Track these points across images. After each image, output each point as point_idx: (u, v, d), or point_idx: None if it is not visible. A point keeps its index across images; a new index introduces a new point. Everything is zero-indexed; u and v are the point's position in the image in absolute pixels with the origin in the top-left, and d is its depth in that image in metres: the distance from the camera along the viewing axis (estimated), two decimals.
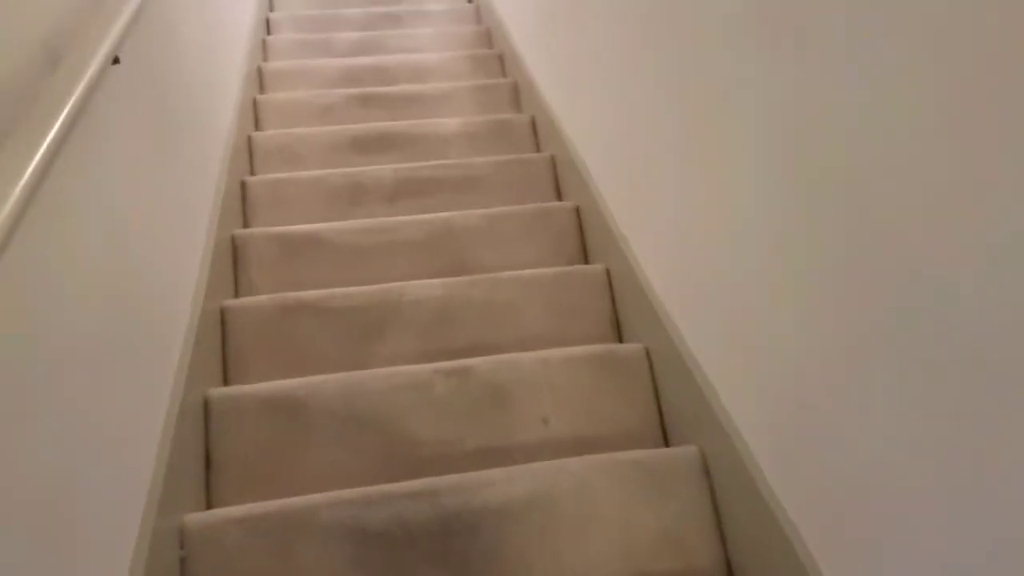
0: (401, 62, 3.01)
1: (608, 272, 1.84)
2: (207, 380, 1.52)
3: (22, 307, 0.83)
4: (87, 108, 1.01)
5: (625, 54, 1.60)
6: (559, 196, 2.27)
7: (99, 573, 0.94)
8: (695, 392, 1.36)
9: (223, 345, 1.69)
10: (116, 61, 1.12)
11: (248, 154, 2.38)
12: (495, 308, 1.77)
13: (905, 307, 0.79)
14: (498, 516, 1.27)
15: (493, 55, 3.09)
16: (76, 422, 0.92)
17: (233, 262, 1.92)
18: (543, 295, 1.80)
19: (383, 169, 2.26)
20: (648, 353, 1.61)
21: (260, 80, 2.88)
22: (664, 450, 1.41)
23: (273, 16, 3.52)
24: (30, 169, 0.78)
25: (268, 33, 3.42)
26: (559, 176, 2.28)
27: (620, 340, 1.78)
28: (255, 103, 2.66)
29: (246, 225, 2.14)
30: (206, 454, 1.44)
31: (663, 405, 1.55)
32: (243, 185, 2.18)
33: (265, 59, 3.12)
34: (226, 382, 1.66)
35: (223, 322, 1.70)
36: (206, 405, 1.47)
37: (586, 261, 2.02)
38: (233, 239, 1.93)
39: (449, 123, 2.52)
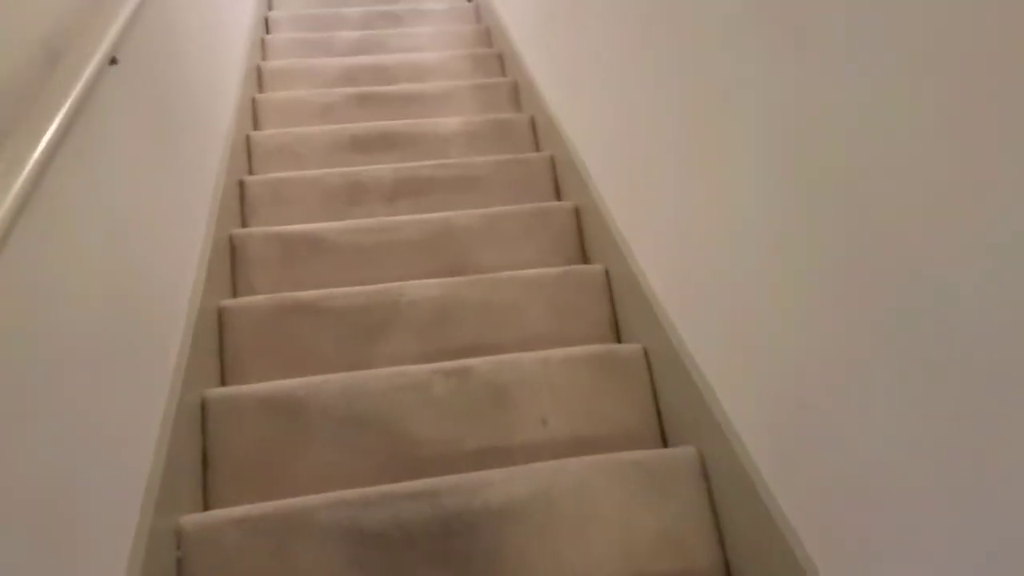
0: (400, 61, 3.01)
1: (607, 272, 1.84)
2: (204, 380, 1.52)
3: (22, 307, 0.82)
4: (85, 108, 1.01)
5: (625, 54, 1.60)
6: (558, 196, 2.27)
7: (98, 574, 0.94)
8: (694, 392, 1.36)
9: (221, 345, 1.69)
10: (114, 62, 1.12)
11: (247, 153, 2.38)
12: (494, 308, 1.77)
13: (905, 307, 0.79)
14: (498, 516, 1.27)
15: (492, 54, 3.09)
16: (76, 422, 0.92)
17: (231, 262, 1.91)
18: (542, 295, 1.80)
19: (382, 169, 2.25)
20: (647, 353, 1.61)
21: (259, 79, 2.87)
22: (663, 451, 1.41)
23: (272, 15, 3.52)
24: (27, 169, 0.77)
25: (267, 32, 3.41)
26: (558, 176, 2.28)
27: (619, 340, 1.78)
28: (254, 102, 2.65)
29: (244, 225, 2.14)
30: (203, 455, 1.43)
31: (661, 405, 1.55)
32: (241, 184, 2.18)
33: (264, 58, 3.12)
34: (224, 382, 1.66)
35: (221, 322, 1.70)
36: (204, 405, 1.47)
37: (585, 261, 2.02)
38: (231, 239, 1.93)
39: (449, 122, 2.52)
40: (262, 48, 3.15)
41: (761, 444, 1.15)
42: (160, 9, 1.57)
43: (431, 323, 1.74)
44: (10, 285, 0.80)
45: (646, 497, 1.31)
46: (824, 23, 0.88)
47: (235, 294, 1.89)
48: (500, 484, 1.30)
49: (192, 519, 1.24)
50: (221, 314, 1.71)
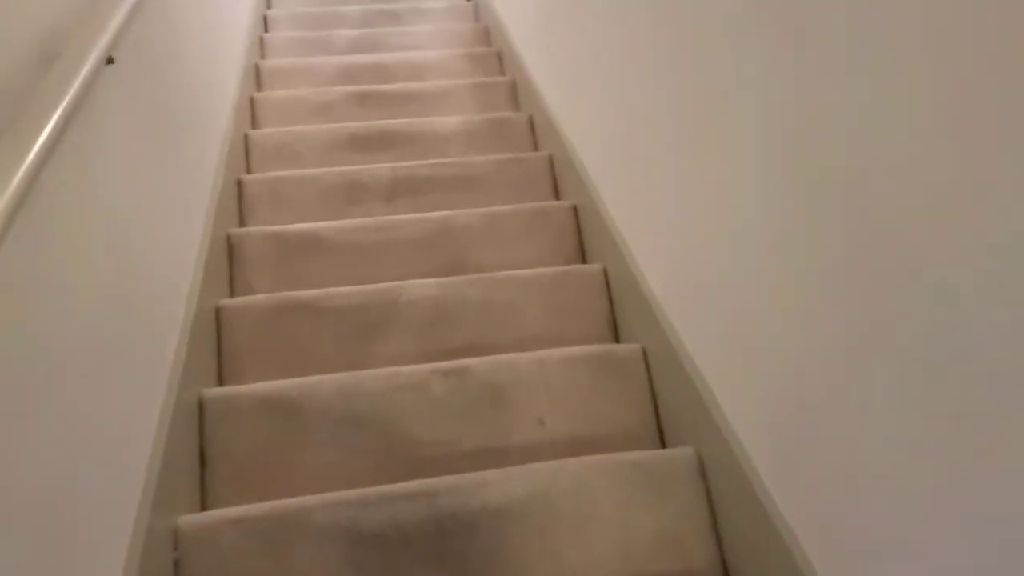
0: (399, 60, 3.01)
1: (605, 272, 1.84)
2: (202, 380, 1.52)
3: (21, 305, 0.82)
4: (81, 108, 1.01)
5: (625, 54, 1.60)
6: (557, 195, 2.27)
7: (96, 574, 0.93)
8: (692, 393, 1.35)
9: (218, 345, 1.68)
10: (111, 61, 1.11)
11: (245, 152, 2.38)
12: (493, 308, 1.76)
13: (905, 307, 0.79)
14: (496, 517, 1.27)
15: (491, 53, 3.09)
16: (76, 422, 0.92)
17: (229, 261, 1.91)
18: (541, 295, 1.79)
19: (381, 168, 2.25)
20: (645, 353, 1.60)
21: (257, 78, 2.87)
22: (662, 451, 1.41)
23: (271, 13, 3.51)
24: (22, 170, 0.77)
25: (265, 30, 3.41)
26: (557, 175, 2.28)
27: (617, 340, 1.78)
28: (252, 101, 2.65)
29: (242, 224, 2.13)
30: (201, 454, 1.43)
31: (660, 405, 1.55)
32: (239, 183, 2.18)
33: (263, 56, 3.11)
34: (221, 382, 1.66)
35: (219, 322, 1.70)
36: (201, 405, 1.46)
37: (584, 261, 2.02)
38: (229, 238, 1.93)
39: (448, 121, 2.51)
40: (261, 47, 3.15)
41: (760, 444, 1.15)
42: (158, 8, 1.57)
43: (430, 322, 1.74)
44: (9, 284, 0.80)
45: (644, 497, 1.31)
46: (824, 23, 0.88)
47: (233, 293, 1.89)
48: (498, 484, 1.30)
49: (189, 519, 1.24)
50: (219, 313, 1.70)
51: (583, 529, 1.27)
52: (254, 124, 2.61)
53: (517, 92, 2.77)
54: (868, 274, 0.84)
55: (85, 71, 0.97)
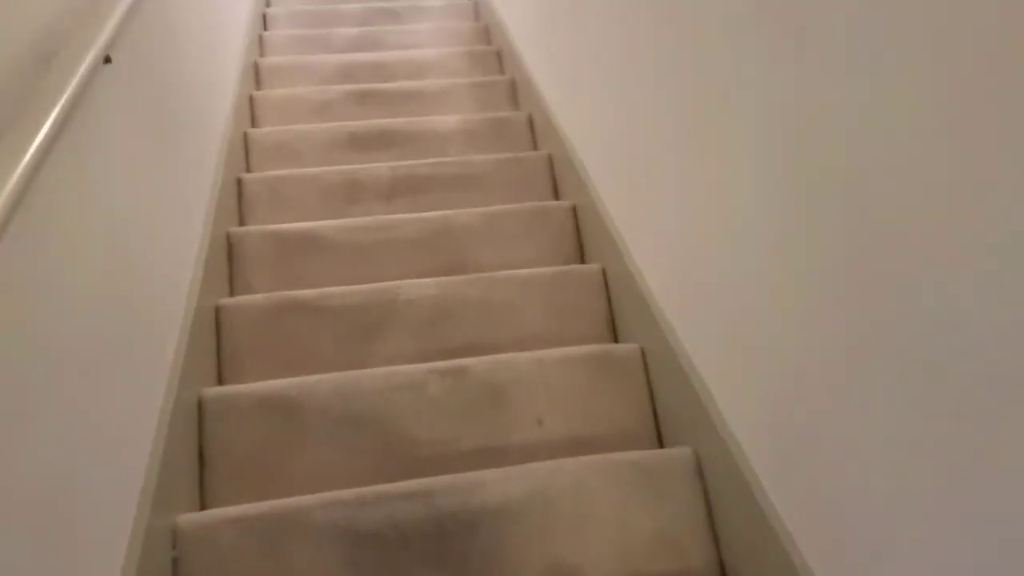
0: (399, 58, 3.00)
1: (604, 272, 1.83)
2: (201, 379, 1.52)
3: (20, 305, 0.82)
4: (79, 107, 1.00)
5: (625, 54, 1.60)
6: (556, 195, 2.27)
7: (95, 574, 0.93)
8: (690, 393, 1.35)
9: (218, 344, 1.68)
10: (108, 61, 1.11)
11: (244, 151, 2.37)
12: (492, 307, 1.76)
13: (905, 307, 0.79)
14: (494, 516, 1.27)
15: (491, 51, 3.08)
16: (76, 422, 0.92)
17: (228, 260, 1.91)
18: (540, 295, 1.79)
19: (380, 167, 2.25)
20: (644, 353, 1.60)
21: (257, 76, 2.87)
22: (660, 451, 1.41)
23: (270, 12, 3.51)
24: (19, 169, 0.77)
25: (265, 28, 3.40)
26: (556, 175, 2.27)
27: (616, 340, 1.78)
28: (251, 99, 2.65)
29: (242, 223, 2.13)
30: (200, 454, 1.43)
31: (658, 405, 1.55)
32: (239, 182, 2.17)
33: (262, 55, 3.11)
34: (221, 382, 1.65)
35: (218, 321, 1.69)
36: (200, 405, 1.46)
37: (582, 260, 2.02)
38: (228, 237, 1.92)
39: (447, 120, 2.51)
40: (260, 45, 3.14)
41: (758, 444, 1.15)
42: (157, 7, 1.57)
43: (429, 322, 1.73)
44: (7, 284, 0.80)
45: (642, 497, 1.31)
46: (824, 23, 0.87)
47: (232, 293, 1.88)
48: (496, 484, 1.30)
49: (188, 518, 1.24)
50: (218, 313, 1.70)
51: (582, 529, 1.27)
52: (253, 123, 2.61)
53: (517, 91, 2.77)
54: (868, 274, 0.84)
55: (82, 71, 0.97)
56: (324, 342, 1.69)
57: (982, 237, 0.68)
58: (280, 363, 1.66)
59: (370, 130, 2.45)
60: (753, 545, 1.16)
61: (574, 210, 2.06)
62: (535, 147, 2.50)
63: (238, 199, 2.15)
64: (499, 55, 3.07)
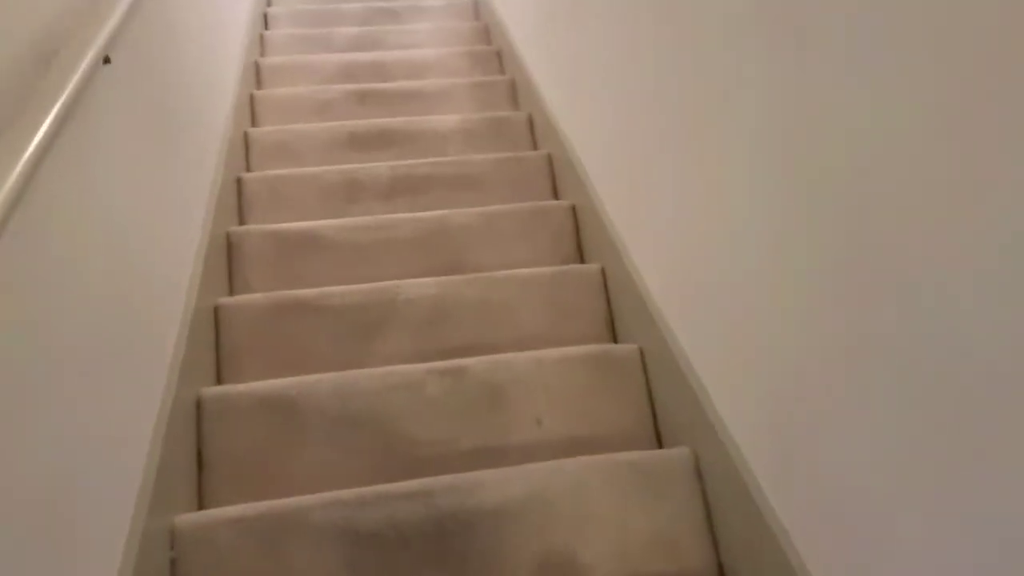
0: (399, 58, 3.00)
1: (603, 272, 1.83)
2: (200, 379, 1.51)
3: (19, 305, 0.82)
4: (78, 107, 1.00)
5: (625, 54, 1.59)
6: (556, 195, 2.27)
7: (94, 573, 0.93)
8: (689, 393, 1.35)
9: (217, 344, 1.68)
10: (107, 61, 1.11)
11: (244, 150, 2.37)
12: (491, 307, 1.76)
13: (905, 307, 0.79)
14: (493, 516, 1.26)
15: (491, 51, 3.08)
16: (75, 421, 0.92)
17: (228, 259, 1.91)
18: (539, 295, 1.79)
19: (380, 166, 2.25)
20: (642, 353, 1.60)
21: (257, 75, 2.86)
22: (658, 452, 1.41)
23: (271, 11, 3.51)
24: (18, 169, 0.77)
25: (265, 28, 3.40)
26: (556, 174, 2.27)
27: (615, 340, 1.78)
28: (252, 99, 2.65)
29: (242, 222, 2.13)
30: (199, 454, 1.43)
31: (656, 406, 1.55)
32: (239, 182, 2.17)
33: (262, 54, 3.11)
34: (220, 381, 1.65)
35: (217, 320, 1.69)
36: (199, 404, 1.46)
37: (582, 260, 2.02)
38: (228, 236, 1.92)
39: (447, 120, 2.51)
40: (260, 44, 3.14)
41: (757, 445, 1.15)
42: (157, 7, 1.56)
43: (428, 322, 1.73)
44: (6, 283, 0.80)
45: (641, 498, 1.31)
46: (824, 23, 0.87)
47: (232, 292, 1.88)
48: (495, 484, 1.30)
49: (186, 518, 1.23)
50: (218, 312, 1.70)
51: (581, 529, 1.27)
52: (254, 122, 2.61)
53: (516, 91, 2.77)
54: (868, 274, 0.84)
55: (81, 71, 0.97)
56: (323, 341, 1.69)
57: (982, 237, 0.68)
58: (279, 363, 1.66)
59: (370, 130, 2.45)
60: (751, 545, 1.16)
61: (573, 210, 2.06)
62: (535, 147, 2.50)
63: (238, 198, 2.15)
64: (499, 55, 3.06)
